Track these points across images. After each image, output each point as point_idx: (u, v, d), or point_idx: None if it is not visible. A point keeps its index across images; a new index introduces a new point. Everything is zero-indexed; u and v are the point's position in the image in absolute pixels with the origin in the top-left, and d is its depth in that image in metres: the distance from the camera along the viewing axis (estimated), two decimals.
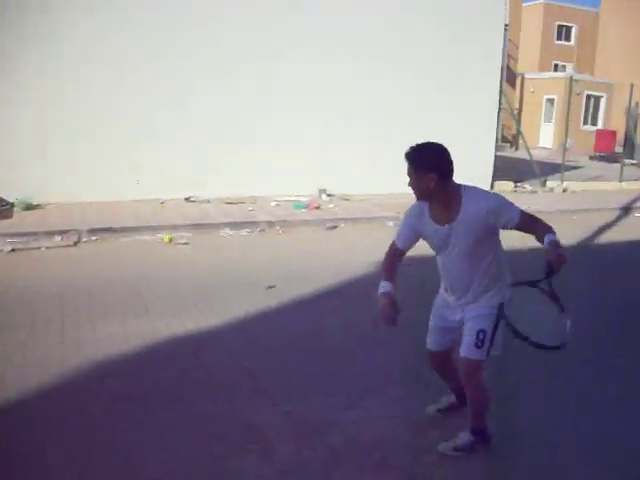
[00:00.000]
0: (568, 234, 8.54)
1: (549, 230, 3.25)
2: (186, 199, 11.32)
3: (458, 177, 3.44)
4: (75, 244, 8.53)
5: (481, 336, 3.46)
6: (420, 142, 3.40)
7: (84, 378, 4.53)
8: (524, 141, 16.90)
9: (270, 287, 6.77)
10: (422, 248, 3.66)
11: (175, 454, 3.58)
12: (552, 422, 4.10)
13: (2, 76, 10.16)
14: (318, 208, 11.04)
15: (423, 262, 4.32)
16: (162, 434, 3.78)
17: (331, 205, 11.47)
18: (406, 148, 3.40)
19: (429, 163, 3.32)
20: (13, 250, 8.09)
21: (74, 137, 10.65)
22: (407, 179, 3.43)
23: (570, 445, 3.85)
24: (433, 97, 12.80)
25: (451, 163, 3.38)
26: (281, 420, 4.00)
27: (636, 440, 3.95)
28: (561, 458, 3.71)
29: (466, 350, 3.50)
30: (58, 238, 8.64)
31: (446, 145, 3.43)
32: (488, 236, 3.43)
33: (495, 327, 3.47)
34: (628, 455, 3.76)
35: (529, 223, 3.37)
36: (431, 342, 3.79)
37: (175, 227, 9.34)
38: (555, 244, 3.15)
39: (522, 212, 3.37)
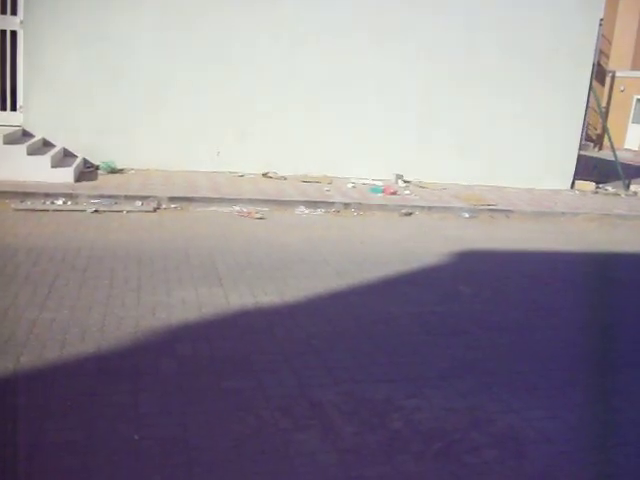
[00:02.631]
0: None
1: None
2: (263, 174, 11.47)
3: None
4: (155, 210, 8.78)
5: None
6: None
7: (157, 340, 4.69)
8: (610, 141, 16.20)
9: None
10: None
11: (241, 424, 3.68)
12: None
13: (92, 49, 10.51)
14: (394, 193, 11.00)
15: None
16: (230, 403, 3.89)
17: (407, 191, 11.41)
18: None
19: None
20: (96, 211, 8.39)
21: (160, 108, 10.96)
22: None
23: None
24: (518, 88, 12.49)
25: None
26: (344, 399, 4.05)
27: None
28: None
29: None
30: (139, 203, 8.91)
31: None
32: None
33: None
34: None
35: None
36: None
37: (252, 201, 9.49)
38: None
39: None
